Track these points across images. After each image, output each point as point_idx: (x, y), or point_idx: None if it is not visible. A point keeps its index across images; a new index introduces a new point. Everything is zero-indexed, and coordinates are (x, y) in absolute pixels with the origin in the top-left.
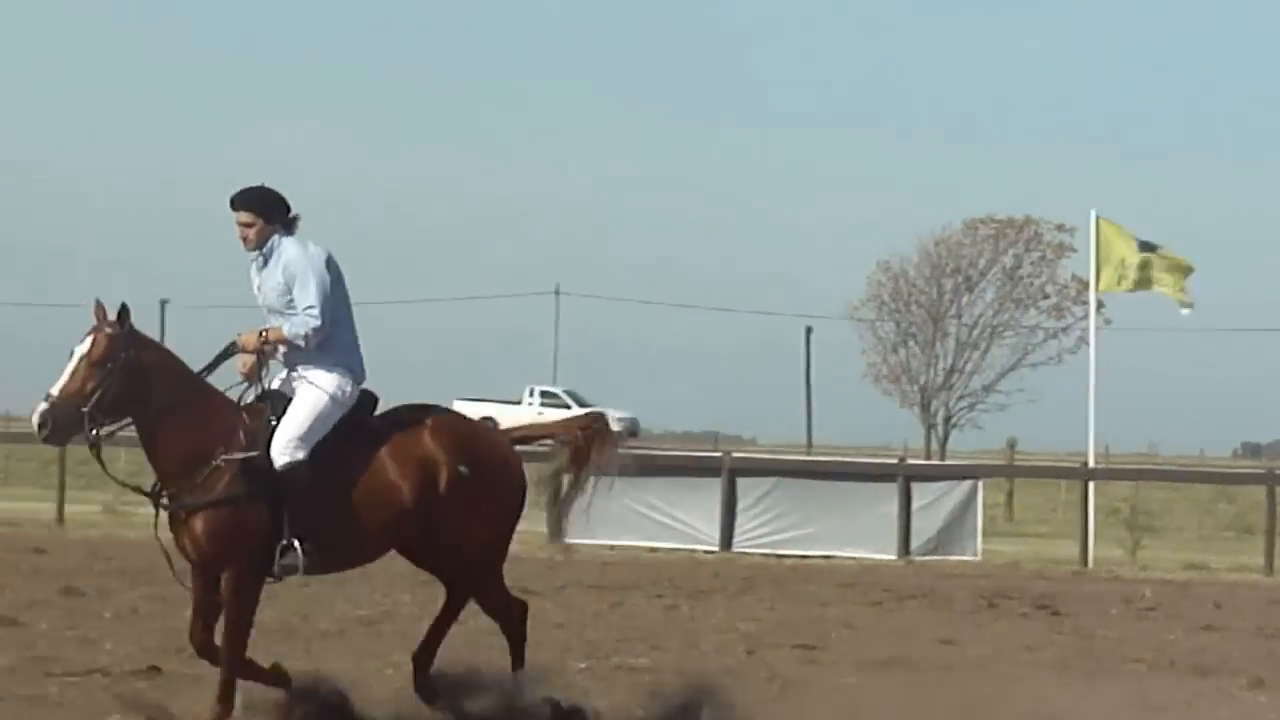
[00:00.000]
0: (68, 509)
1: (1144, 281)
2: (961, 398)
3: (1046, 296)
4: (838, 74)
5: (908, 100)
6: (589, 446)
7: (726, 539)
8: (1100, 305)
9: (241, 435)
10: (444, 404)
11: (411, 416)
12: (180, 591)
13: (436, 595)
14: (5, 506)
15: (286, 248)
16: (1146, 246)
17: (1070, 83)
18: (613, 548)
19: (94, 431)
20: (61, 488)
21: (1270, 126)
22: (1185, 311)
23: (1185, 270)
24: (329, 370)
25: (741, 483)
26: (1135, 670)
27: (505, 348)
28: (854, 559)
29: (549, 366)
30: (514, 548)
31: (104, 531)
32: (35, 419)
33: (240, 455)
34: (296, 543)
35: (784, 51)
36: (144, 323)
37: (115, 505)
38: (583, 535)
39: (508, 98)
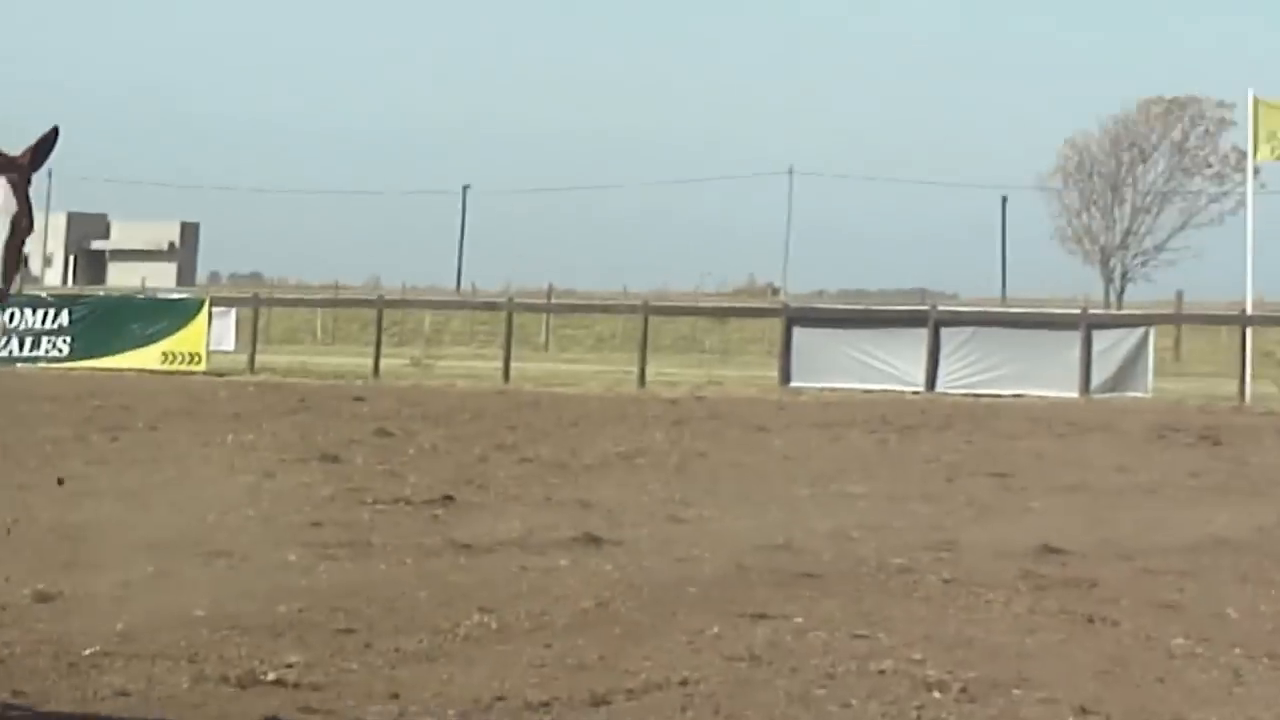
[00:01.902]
0: (382, 363)
1: None
2: (1136, 255)
3: (1210, 166)
4: None
5: None
6: None
7: (931, 381)
8: (1256, 172)
9: None
10: None
11: None
12: (474, 431)
13: (686, 433)
14: (333, 362)
15: None
16: None
17: None
18: (833, 390)
19: None
20: (378, 345)
21: None
22: None
23: None
24: None
25: (945, 332)
26: None
27: None
28: (1041, 397)
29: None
30: (750, 390)
31: (412, 382)
32: None
33: None
34: None
35: None
36: None
37: (421, 360)
38: (808, 380)
39: None
